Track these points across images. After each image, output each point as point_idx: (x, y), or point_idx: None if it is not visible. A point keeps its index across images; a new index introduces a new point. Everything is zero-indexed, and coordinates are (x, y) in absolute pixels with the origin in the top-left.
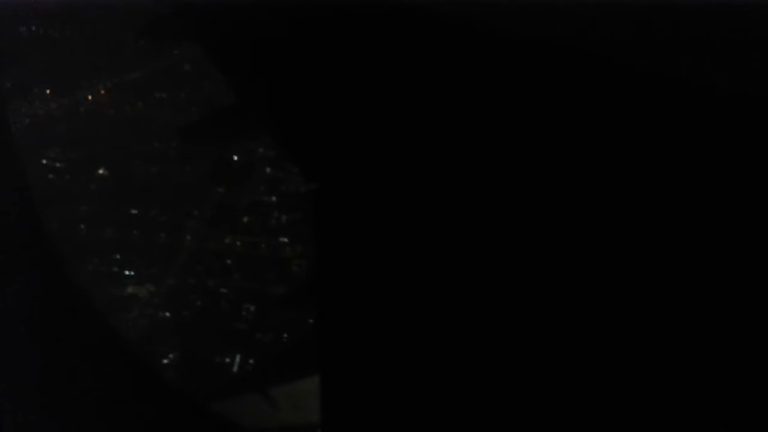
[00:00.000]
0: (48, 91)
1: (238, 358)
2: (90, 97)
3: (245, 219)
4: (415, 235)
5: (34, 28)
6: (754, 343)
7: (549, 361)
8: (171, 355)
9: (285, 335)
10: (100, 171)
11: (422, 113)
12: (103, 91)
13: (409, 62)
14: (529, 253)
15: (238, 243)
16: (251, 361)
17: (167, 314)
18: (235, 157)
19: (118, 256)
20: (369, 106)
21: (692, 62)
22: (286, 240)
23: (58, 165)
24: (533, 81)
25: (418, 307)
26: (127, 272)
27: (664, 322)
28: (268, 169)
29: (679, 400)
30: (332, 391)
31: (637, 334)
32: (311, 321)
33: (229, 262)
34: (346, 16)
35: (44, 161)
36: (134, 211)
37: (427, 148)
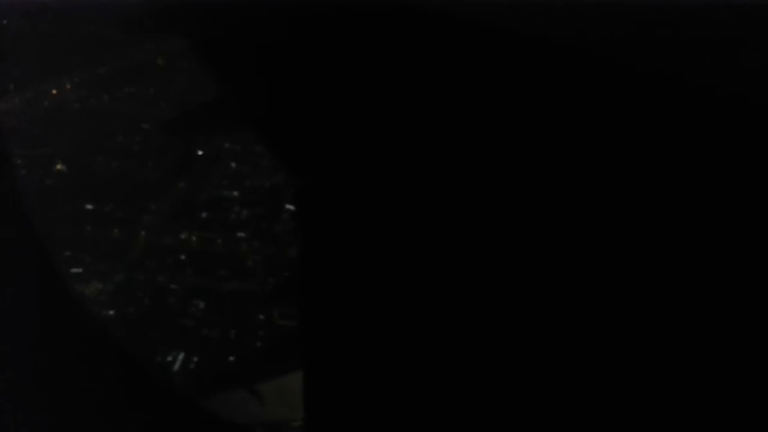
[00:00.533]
0: (11, 86)
1: (181, 356)
2: (55, 92)
3: (204, 214)
4: (386, 230)
5: (3, 22)
6: (754, 343)
7: (539, 360)
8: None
9: (233, 332)
10: (58, 166)
11: (396, 108)
12: (69, 86)
13: (384, 56)
14: (513, 251)
15: (194, 238)
16: (196, 358)
17: (111, 312)
18: (200, 152)
19: (68, 254)
20: (343, 101)
21: (692, 62)
22: (243, 235)
23: (17, 161)
24: (532, 81)
25: (395, 301)
26: (74, 270)
27: (664, 323)
28: (233, 164)
29: (679, 401)
30: (312, 386)
31: (636, 334)
32: (266, 317)
33: (182, 257)
34: (318, 11)
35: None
36: (89, 207)
37: (396, 142)
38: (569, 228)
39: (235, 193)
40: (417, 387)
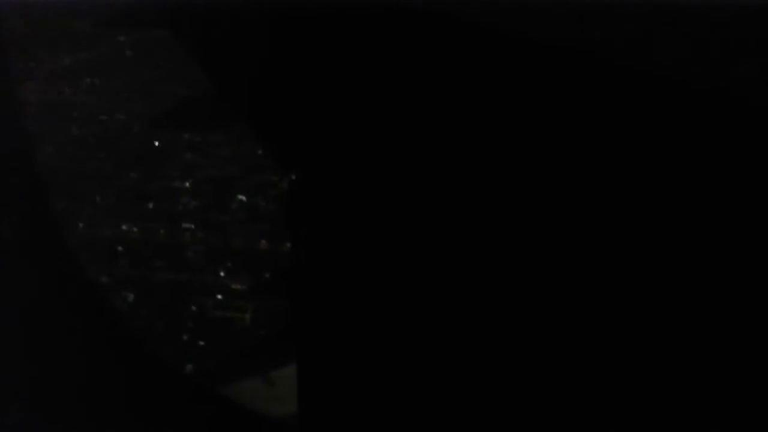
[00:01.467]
0: None
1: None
2: (17, 85)
3: (150, 205)
4: (373, 226)
5: None
6: (755, 343)
7: (526, 356)
8: None
9: (163, 322)
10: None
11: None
12: (29, 78)
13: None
14: (510, 250)
15: (135, 229)
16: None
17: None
18: (156, 143)
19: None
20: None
21: (692, 62)
22: (191, 226)
23: None
24: (531, 81)
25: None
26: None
27: (664, 323)
28: (188, 155)
29: (679, 401)
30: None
31: (636, 334)
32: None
33: (120, 248)
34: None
35: None
36: (39, 198)
37: (371, 137)
38: (570, 228)
39: (187, 184)
40: (407, 383)
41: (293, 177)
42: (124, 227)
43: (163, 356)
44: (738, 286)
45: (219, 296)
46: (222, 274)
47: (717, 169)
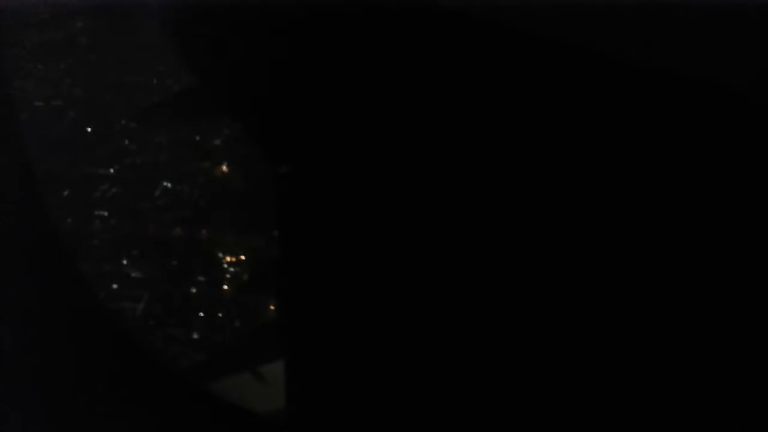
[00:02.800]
0: None
1: None
2: None
3: (66, 192)
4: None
5: None
6: (755, 344)
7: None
8: None
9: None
10: None
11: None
12: None
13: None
14: (509, 251)
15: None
16: None
17: None
18: (89, 129)
19: None
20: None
21: (693, 62)
22: (105, 214)
23: None
24: (531, 81)
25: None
26: None
27: (665, 324)
28: (126, 142)
29: (679, 401)
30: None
31: (636, 335)
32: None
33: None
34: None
35: None
36: None
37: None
38: (571, 229)
39: (111, 171)
40: (400, 383)
41: (281, 171)
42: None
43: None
44: (738, 286)
45: (115, 285)
46: (124, 262)
47: (717, 169)
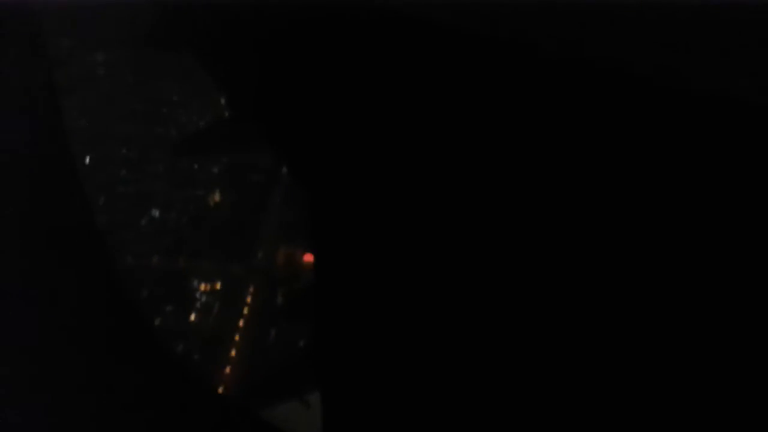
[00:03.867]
0: None
1: None
2: None
3: None
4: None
5: None
6: (755, 344)
7: (548, 361)
8: None
9: None
10: None
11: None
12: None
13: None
14: (528, 255)
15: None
16: None
17: None
18: (87, 159)
19: None
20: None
21: (693, 62)
22: None
23: None
24: (530, 82)
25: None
26: None
27: (664, 324)
28: (123, 171)
29: (679, 401)
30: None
31: (636, 335)
32: None
33: None
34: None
35: None
36: None
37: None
38: (571, 229)
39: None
40: (426, 390)
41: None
42: None
43: None
44: (738, 286)
45: None
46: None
47: (718, 169)
